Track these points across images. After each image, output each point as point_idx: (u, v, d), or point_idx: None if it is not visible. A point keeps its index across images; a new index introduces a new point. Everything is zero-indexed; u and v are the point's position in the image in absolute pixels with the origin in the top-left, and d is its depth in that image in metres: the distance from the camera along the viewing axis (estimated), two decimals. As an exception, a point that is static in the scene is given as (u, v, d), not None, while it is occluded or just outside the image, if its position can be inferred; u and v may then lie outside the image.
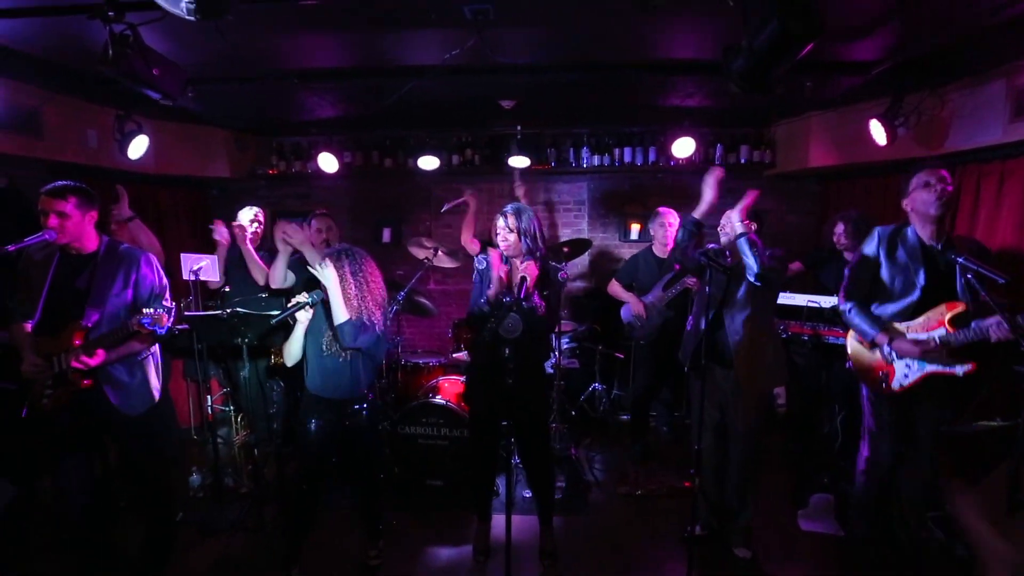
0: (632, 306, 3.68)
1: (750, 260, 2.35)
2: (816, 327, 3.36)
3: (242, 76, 2.97)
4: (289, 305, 2.30)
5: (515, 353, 2.17)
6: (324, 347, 2.37)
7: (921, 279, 2.27)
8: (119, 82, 2.13)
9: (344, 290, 2.29)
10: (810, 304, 3.38)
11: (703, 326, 2.40)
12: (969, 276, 2.12)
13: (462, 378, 3.58)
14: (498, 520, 2.74)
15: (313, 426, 2.40)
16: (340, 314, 2.28)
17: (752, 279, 2.38)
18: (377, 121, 4.31)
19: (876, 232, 2.42)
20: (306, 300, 2.28)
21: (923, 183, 2.25)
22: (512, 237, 2.42)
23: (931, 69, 2.87)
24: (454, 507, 3.15)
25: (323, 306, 2.36)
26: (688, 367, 2.66)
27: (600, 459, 3.83)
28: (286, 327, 2.41)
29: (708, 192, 2.47)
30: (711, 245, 2.48)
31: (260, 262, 3.19)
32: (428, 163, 4.27)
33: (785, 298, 3.42)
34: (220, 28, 1.85)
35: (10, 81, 2.95)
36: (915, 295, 2.28)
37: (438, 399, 3.28)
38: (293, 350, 2.40)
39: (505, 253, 2.44)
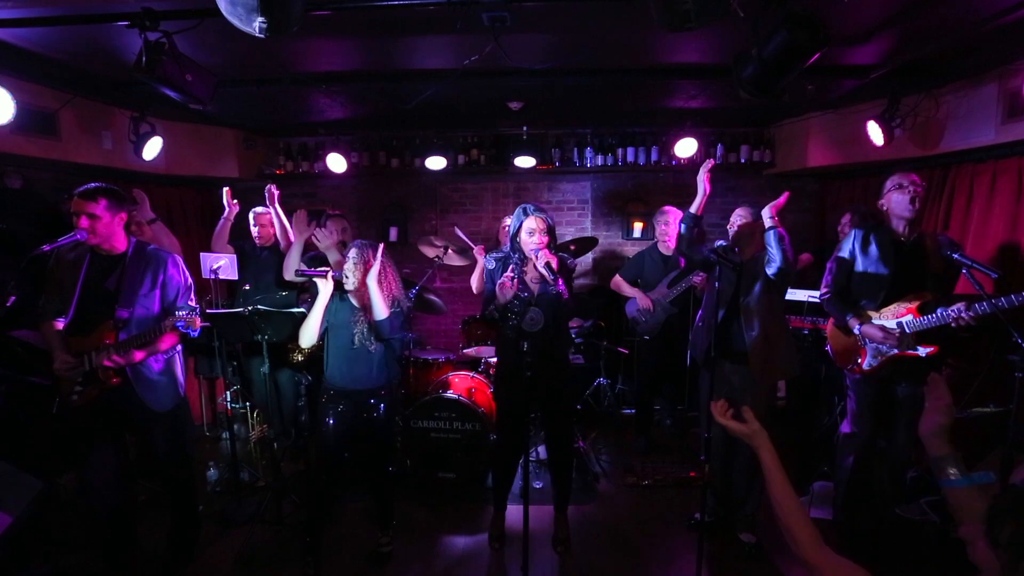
0: (639, 300, 3.78)
1: (776, 253, 2.45)
2: (816, 321, 3.48)
3: (259, 78, 3.04)
4: (318, 269, 2.42)
5: (538, 345, 2.25)
6: (355, 340, 2.44)
7: (890, 271, 2.52)
8: (138, 85, 2.19)
9: (377, 279, 2.40)
10: (810, 299, 3.49)
11: (718, 321, 2.49)
12: (964, 271, 2.24)
13: (472, 373, 3.66)
14: (512, 509, 2.84)
15: (332, 420, 2.48)
16: (381, 310, 2.37)
17: (772, 273, 2.48)
18: (384, 122, 4.38)
19: (853, 232, 2.68)
20: (328, 271, 2.40)
21: (897, 185, 2.49)
22: (547, 236, 2.49)
23: (927, 72, 2.97)
24: (467, 499, 3.24)
25: (348, 301, 2.46)
26: (702, 363, 2.76)
27: (606, 451, 3.94)
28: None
29: (701, 185, 2.60)
30: (719, 242, 2.57)
31: (288, 226, 3.31)
32: (435, 163, 4.35)
33: (788, 295, 3.54)
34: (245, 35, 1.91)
35: (29, 84, 2.99)
36: (885, 286, 2.53)
37: (450, 394, 3.36)
38: (310, 329, 2.42)
39: (536, 248, 2.47)
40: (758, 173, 4.68)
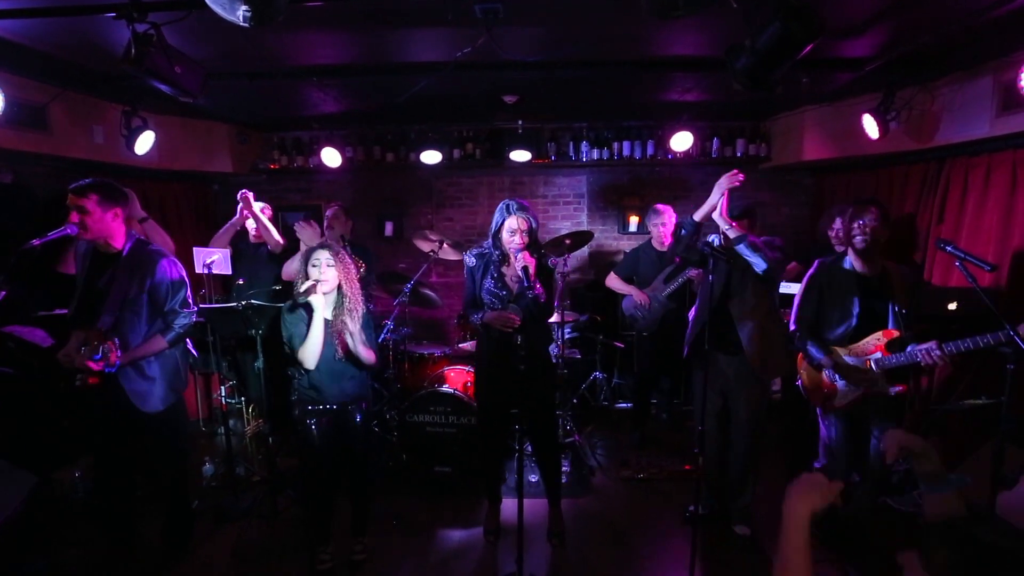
0: (635, 296, 3.78)
1: (756, 261, 2.42)
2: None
3: (251, 72, 3.01)
4: (301, 290, 2.23)
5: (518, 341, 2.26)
6: (337, 353, 2.37)
7: (856, 307, 2.44)
8: (129, 78, 2.17)
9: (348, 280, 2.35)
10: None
11: (711, 313, 2.48)
12: (958, 264, 2.24)
13: (467, 368, 3.66)
14: (507, 503, 2.85)
15: (316, 431, 2.39)
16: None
17: (758, 273, 2.47)
18: (378, 116, 4.36)
19: (816, 263, 2.58)
20: (314, 282, 2.25)
21: (849, 217, 2.40)
22: (527, 237, 2.45)
23: (922, 65, 2.96)
24: (462, 492, 3.25)
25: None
26: (689, 354, 2.76)
27: (602, 445, 3.95)
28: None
29: (717, 194, 2.47)
30: (711, 237, 2.56)
31: (273, 229, 3.27)
32: (430, 157, 4.33)
33: (782, 288, 3.52)
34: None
35: (18, 78, 2.96)
36: (852, 322, 2.46)
37: (445, 388, 3.36)
38: (312, 347, 2.27)
39: (516, 248, 2.44)
40: (754, 167, 4.68)
